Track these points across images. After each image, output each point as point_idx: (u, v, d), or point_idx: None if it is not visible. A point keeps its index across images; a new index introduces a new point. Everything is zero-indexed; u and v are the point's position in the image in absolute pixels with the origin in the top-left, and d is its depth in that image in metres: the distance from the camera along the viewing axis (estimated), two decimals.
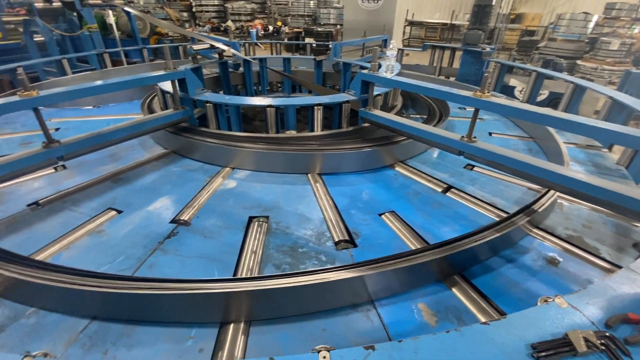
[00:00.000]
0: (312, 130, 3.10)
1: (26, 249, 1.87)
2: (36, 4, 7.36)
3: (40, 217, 2.18)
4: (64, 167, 2.79)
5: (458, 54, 6.17)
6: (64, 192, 2.44)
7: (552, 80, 4.90)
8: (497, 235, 1.84)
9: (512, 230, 1.93)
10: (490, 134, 3.76)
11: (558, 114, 1.99)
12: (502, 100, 2.13)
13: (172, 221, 2.15)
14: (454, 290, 1.69)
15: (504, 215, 2.28)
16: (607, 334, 0.92)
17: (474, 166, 2.95)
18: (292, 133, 3.08)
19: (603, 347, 0.89)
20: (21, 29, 7.95)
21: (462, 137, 2.33)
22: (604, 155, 3.17)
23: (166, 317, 1.47)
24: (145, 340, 1.40)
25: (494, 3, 5.93)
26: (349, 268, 1.56)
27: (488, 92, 2.18)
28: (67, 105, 4.30)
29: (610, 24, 12.27)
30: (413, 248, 1.97)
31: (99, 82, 2.55)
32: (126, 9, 6.44)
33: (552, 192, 2.26)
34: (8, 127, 3.59)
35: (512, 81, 7.31)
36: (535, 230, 2.14)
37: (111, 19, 7.65)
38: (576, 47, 11.80)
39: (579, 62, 11.38)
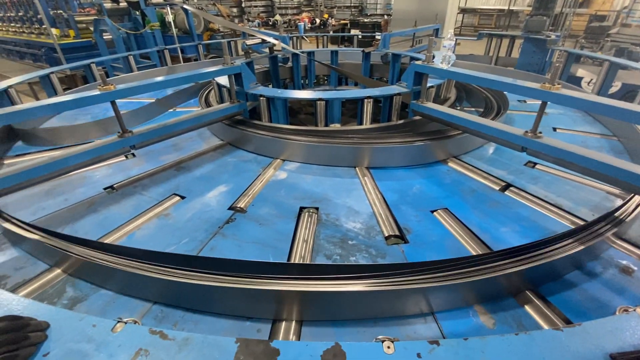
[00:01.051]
0: (361, 123, 3.09)
1: (105, 228, 2.11)
2: (105, 4, 8.07)
3: (115, 200, 2.43)
4: (133, 155, 3.07)
5: (517, 42, 5.74)
6: (135, 177, 2.69)
7: (626, 71, 4.36)
8: (581, 247, 1.64)
9: (597, 242, 1.71)
10: (554, 129, 3.47)
11: (636, 107, 1.78)
12: (576, 93, 1.96)
13: (230, 208, 2.29)
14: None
15: (571, 217, 2.12)
16: None
17: (535, 164, 2.75)
18: (337, 126, 3.09)
19: None
20: (92, 28, 8.78)
21: (526, 132, 2.18)
22: None
23: (221, 308, 1.52)
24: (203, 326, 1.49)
25: None
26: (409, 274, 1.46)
27: (558, 84, 2.02)
28: (134, 98, 4.69)
29: None
30: (469, 249, 1.91)
31: (164, 77, 2.76)
32: (184, 6, 6.83)
33: (637, 197, 2.01)
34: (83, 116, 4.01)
35: (580, 71, 6.66)
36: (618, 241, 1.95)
37: (170, 17, 8.16)
38: None
39: None
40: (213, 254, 1.87)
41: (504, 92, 3.68)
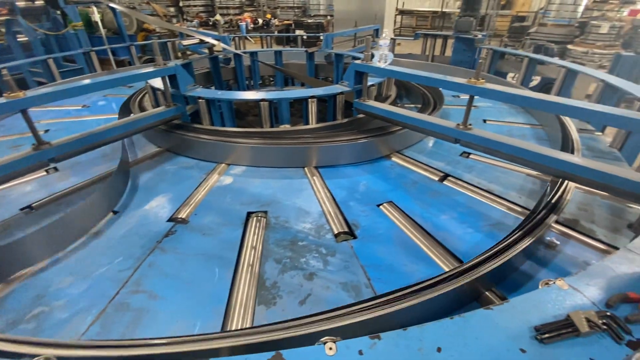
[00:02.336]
0: (307, 123, 3.08)
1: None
2: (18, 3, 7.16)
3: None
4: (56, 169, 2.75)
5: (450, 42, 6.16)
6: (58, 194, 2.40)
7: (544, 66, 4.93)
8: (532, 240, 1.67)
9: (545, 231, 1.77)
10: (484, 121, 3.76)
11: (552, 98, 1.99)
12: (497, 86, 2.12)
13: (170, 220, 2.14)
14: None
15: (502, 201, 2.30)
16: (608, 314, 0.93)
17: (469, 154, 2.95)
18: (286, 127, 3.06)
19: (605, 327, 0.90)
20: (3, 30, 7.74)
21: (458, 124, 2.33)
22: (597, 138, 3.20)
23: None
24: None
25: None
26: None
27: (483, 79, 2.18)
28: (57, 106, 4.22)
29: (599, 7, 12.27)
30: (413, 238, 1.98)
31: (87, 81, 2.50)
32: (111, 5, 6.29)
33: (568, 183, 2.14)
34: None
35: (505, 68, 7.31)
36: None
37: (96, 16, 7.47)
38: (566, 31, 11.79)
39: (569, 46, 11.39)
40: (151, 271, 1.72)
41: (440, 89, 3.91)
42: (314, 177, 2.64)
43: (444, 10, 17.68)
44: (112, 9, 7.19)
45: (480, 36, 5.66)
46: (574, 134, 2.82)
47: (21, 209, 2.25)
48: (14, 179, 2.35)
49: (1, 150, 3.04)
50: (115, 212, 2.22)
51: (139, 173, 2.71)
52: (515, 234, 1.73)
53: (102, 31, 7.48)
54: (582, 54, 10.75)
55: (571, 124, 2.99)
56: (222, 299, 1.58)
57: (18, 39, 7.56)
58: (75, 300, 1.58)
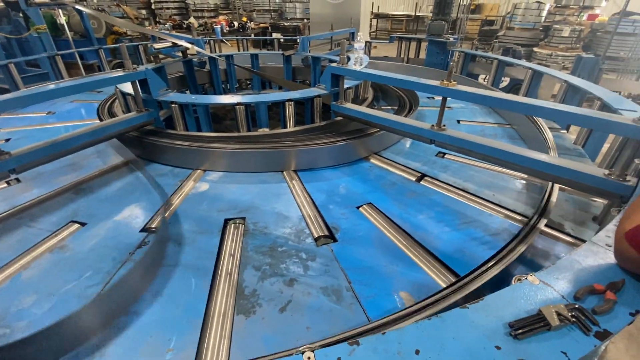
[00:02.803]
0: (285, 127, 3.05)
1: None
2: None
3: None
4: (17, 180, 2.59)
5: (424, 45, 6.30)
6: (20, 207, 2.26)
7: (512, 67, 5.15)
8: (525, 247, 1.70)
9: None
10: (458, 121, 3.87)
11: (519, 98, 2.07)
12: (467, 87, 2.19)
13: (143, 230, 2.05)
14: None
15: (476, 199, 2.36)
16: (577, 306, 0.96)
17: (445, 154, 3.02)
18: (265, 131, 3.02)
19: (574, 319, 0.93)
20: None
21: (432, 125, 2.38)
22: (562, 136, 3.35)
23: None
24: None
25: None
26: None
27: (454, 81, 2.23)
28: (20, 114, 4.00)
29: (561, 12, 12.96)
30: (392, 239, 2.00)
31: (51, 86, 2.37)
32: (77, 7, 6.03)
33: (553, 186, 2.17)
34: None
35: (476, 69, 7.57)
36: (502, 210, 2.23)
37: (62, 18, 7.14)
38: (532, 35, 12.38)
39: (535, 49, 11.95)
40: (122, 284, 1.64)
41: (415, 91, 3.99)
42: (293, 181, 2.62)
43: (417, 14, 18.14)
44: (79, 12, 6.90)
45: (452, 39, 5.83)
46: (548, 134, 2.94)
47: None
48: None
49: None
50: (82, 224, 2.11)
51: (110, 182, 2.59)
52: (511, 244, 1.73)
53: (69, 34, 7.16)
54: (546, 56, 11.30)
55: (543, 124, 3.13)
56: (199, 311, 1.52)
57: None
58: (38, 321, 1.48)
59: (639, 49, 9.54)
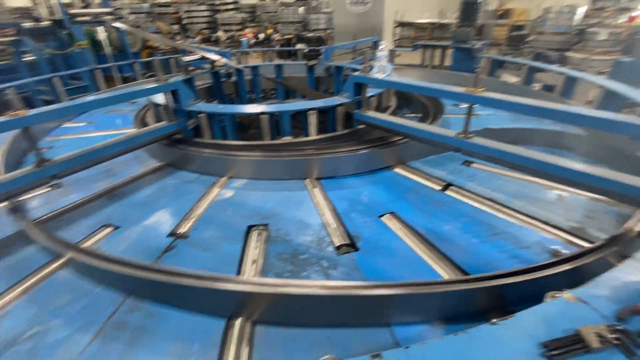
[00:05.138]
0: (307, 135, 3.08)
1: (19, 274, 1.84)
2: (25, 24, 7.36)
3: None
4: (59, 185, 2.76)
5: (448, 52, 6.20)
6: (60, 210, 2.40)
7: (544, 73, 4.95)
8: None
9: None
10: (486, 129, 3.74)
11: (552, 105, 1.98)
12: (495, 94, 2.12)
13: (170, 235, 2.12)
14: None
15: (505, 210, 2.26)
16: (620, 328, 0.89)
17: (471, 162, 2.93)
18: (288, 139, 3.06)
19: (617, 342, 0.86)
20: (12, 50, 7.94)
21: (458, 133, 2.32)
22: None
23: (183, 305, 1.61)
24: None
25: (480, 0, 5.98)
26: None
27: (482, 87, 2.17)
28: (64, 123, 4.30)
29: (596, 14, 12.37)
30: (415, 249, 1.95)
31: (90, 98, 2.54)
32: (114, 24, 6.44)
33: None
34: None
35: (504, 76, 7.34)
36: (535, 222, 2.11)
37: (101, 35, 7.65)
38: (565, 39, 11.86)
39: (568, 54, 11.43)
40: None
41: (439, 98, 3.91)
42: (315, 189, 2.62)
43: (442, 21, 17.90)
44: (116, 29, 7.37)
45: (478, 45, 5.71)
46: None
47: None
48: (19, 195, 2.37)
49: None
50: (116, 228, 2.21)
51: (140, 188, 2.71)
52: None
53: (107, 49, 7.65)
54: (581, 60, 10.77)
55: None
56: (221, 317, 1.55)
57: (24, 59, 7.75)
58: (72, 319, 1.56)
59: None
